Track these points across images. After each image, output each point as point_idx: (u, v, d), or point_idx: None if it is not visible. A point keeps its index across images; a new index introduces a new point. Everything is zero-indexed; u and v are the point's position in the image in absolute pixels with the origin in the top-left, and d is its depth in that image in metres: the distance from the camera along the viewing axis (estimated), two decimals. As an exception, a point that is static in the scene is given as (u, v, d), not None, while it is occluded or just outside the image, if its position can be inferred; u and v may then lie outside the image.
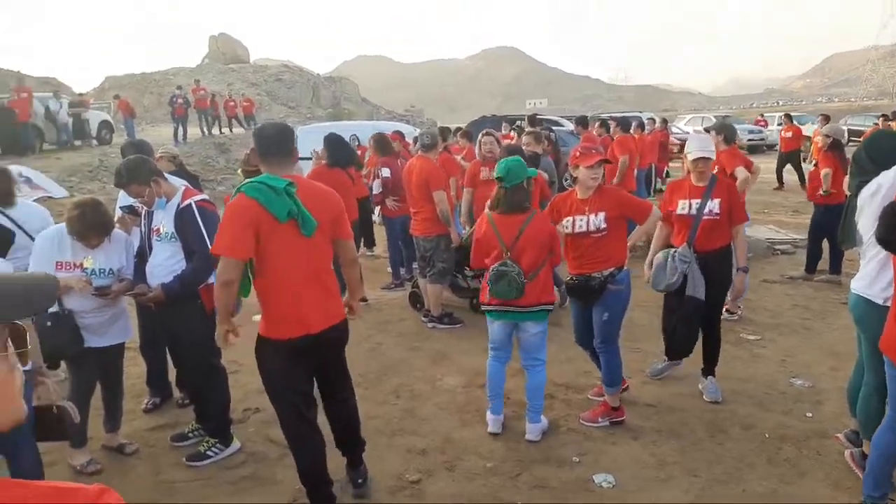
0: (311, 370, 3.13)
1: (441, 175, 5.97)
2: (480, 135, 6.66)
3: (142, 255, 3.77)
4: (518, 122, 13.27)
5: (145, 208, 3.74)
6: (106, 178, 13.72)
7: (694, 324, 4.23)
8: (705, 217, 4.16)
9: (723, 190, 4.21)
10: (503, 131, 11.60)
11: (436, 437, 3.97)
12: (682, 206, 4.25)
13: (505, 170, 3.71)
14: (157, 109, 30.58)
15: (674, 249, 4.19)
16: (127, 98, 22.49)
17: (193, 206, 3.57)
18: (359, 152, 11.60)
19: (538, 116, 14.11)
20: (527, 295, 3.64)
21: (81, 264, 3.59)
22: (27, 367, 0.92)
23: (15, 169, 6.18)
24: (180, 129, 20.29)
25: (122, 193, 4.24)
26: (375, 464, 3.59)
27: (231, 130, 23.52)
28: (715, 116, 26.72)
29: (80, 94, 23.82)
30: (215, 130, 22.53)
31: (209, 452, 3.75)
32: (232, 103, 24.45)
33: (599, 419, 4.04)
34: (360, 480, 3.42)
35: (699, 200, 4.19)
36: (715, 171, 4.79)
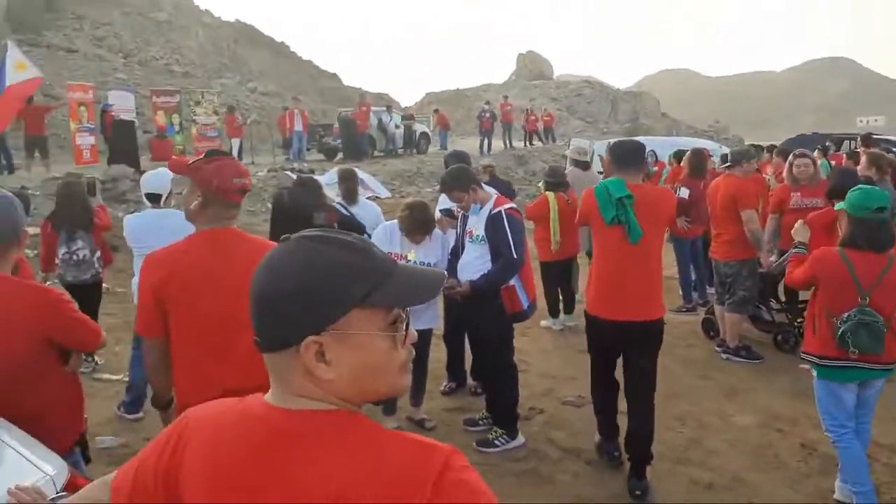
0: (617, 356, 3.63)
1: (752, 193, 5.54)
2: (792, 156, 6.02)
3: (455, 253, 4.22)
4: (849, 142, 11.69)
5: (462, 212, 4.18)
6: (421, 183, 15.41)
7: None
8: None
9: None
10: (830, 150, 10.34)
11: (724, 473, 3.73)
12: None
13: (886, 199, 3.14)
14: (467, 123, 33.28)
15: None
16: (444, 112, 24.96)
17: (503, 213, 3.88)
18: (656, 168, 11.35)
19: (874, 136, 12.22)
20: (887, 349, 3.08)
21: (406, 256, 4.14)
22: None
23: (355, 172, 7.30)
24: (485, 141, 21.86)
25: (442, 197, 4.76)
26: (656, 489, 3.51)
27: (531, 144, 24.62)
28: None
29: (406, 108, 27.09)
30: (517, 143, 23.80)
31: (497, 441, 4.03)
32: (533, 118, 25.56)
33: (935, 495, 3.39)
34: (638, 492, 3.42)
35: None
36: None
